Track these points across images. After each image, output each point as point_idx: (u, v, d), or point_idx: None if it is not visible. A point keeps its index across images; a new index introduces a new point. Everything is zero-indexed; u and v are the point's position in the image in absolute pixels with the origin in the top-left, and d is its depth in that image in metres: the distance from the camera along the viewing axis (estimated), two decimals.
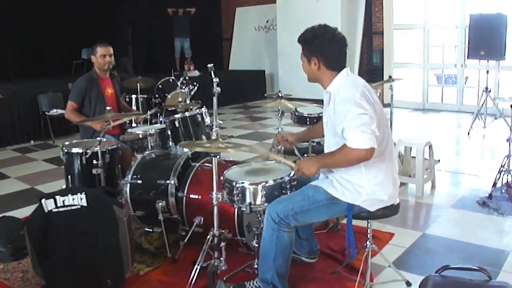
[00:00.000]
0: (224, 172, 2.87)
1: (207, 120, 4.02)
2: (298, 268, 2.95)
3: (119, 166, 3.74)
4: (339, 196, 2.47)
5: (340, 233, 3.58)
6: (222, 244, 2.75)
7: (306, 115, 5.25)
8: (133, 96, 6.76)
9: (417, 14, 9.21)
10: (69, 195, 2.85)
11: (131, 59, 11.16)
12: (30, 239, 2.89)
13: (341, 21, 9.34)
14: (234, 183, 2.69)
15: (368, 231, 2.74)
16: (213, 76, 3.96)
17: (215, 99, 3.39)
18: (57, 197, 2.84)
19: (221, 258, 2.75)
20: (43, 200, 2.85)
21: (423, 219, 3.87)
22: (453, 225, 3.70)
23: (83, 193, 2.86)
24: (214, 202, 2.72)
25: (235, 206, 2.76)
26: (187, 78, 7.19)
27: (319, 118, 5.22)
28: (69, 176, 3.64)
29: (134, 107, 6.76)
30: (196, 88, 7.16)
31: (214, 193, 2.71)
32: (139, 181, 3.43)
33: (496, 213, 3.86)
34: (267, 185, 2.66)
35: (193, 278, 2.76)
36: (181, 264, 3.15)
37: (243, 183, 2.68)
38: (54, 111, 7.49)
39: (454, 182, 4.81)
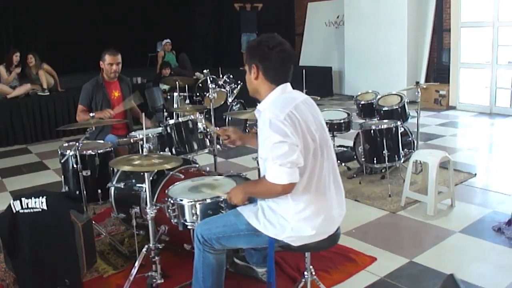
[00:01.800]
0: (170, 186, 2.86)
1: (200, 126, 3.96)
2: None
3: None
4: (260, 229, 2.28)
5: (322, 253, 3.36)
6: (156, 258, 2.72)
7: (327, 121, 4.99)
8: (174, 94, 6.90)
9: (486, 11, 8.29)
10: (33, 198, 3.00)
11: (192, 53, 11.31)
12: (0, 236, 3.10)
13: (407, 16, 8.75)
14: (171, 199, 2.69)
15: (306, 261, 2.52)
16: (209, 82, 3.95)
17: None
18: (23, 199, 3.00)
19: (157, 272, 2.73)
20: (11, 201, 3.03)
21: (418, 243, 3.47)
22: (450, 254, 3.30)
23: (44, 197, 2.99)
24: (148, 216, 2.70)
25: (172, 221, 2.72)
26: (231, 76, 7.20)
27: (339, 126, 4.97)
28: (63, 177, 3.83)
29: (175, 105, 6.92)
30: (238, 86, 7.17)
31: (147, 207, 2.70)
32: (122, 185, 3.51)
33: (510, 243, 3.37)
34: (199, 204, 2.62)
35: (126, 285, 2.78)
36: (145, 270, 3.16)
37: (180, 200, 2.67)
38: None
39: (481, 201, 4.27)
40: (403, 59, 9.01)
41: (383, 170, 4.74)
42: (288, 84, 2.31)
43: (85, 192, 3.57)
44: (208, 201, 2.64)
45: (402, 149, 4.54)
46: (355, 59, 9.92)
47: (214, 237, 2.38)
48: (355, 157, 5.05)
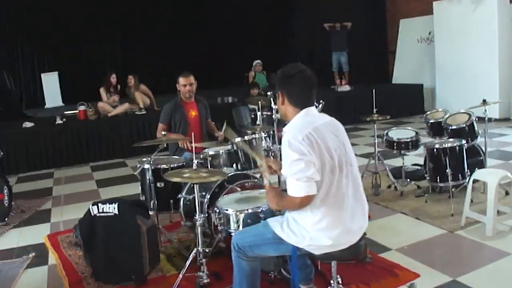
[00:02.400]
0: (220, 197, 3.20)
1: (264, 145, 4.25)
2: None
3: None
4: (284, 238, 2.51)
5: (367, 266, 3.49)
6: (203, 260, 3.05)
7: (395, 140, 5.04)
8: (258, 113, 7.28)
9: None
10: (107, 204, 3.52)
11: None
12: (81, 235, 3.66)
13: (498, 30, 8.34)
14: (218, 209, 3.02)
15: (332, 271, 2.68)
16: (272, 103, 4.26)
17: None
18: (99, 204, 3.53)
19: (203, 272, 3.06)
20: (90, 206, 3.58)
21: (468, 263, 3.42)
22: (498, 276, 3.22)
23: (117, 203, 3.50)
24: (197, 223, 3.05)
25: (218, 228, 3.05)
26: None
27: (406, 144, 4.98)
28: (141, 187, 4.33)
29: (258, 123, 7.31)
30: (320, 106, 7.35)
31: (197, 215, 3.05)
32: (190, 197, 3.91)
33: None
34: (240, 213, 2.92)
35: (176, 284, 3.14)
36: None
37: (226, 210, 3.00)
38: None
39: None
40: (494, 74, 8.61)
41: (453, 189, 4.66)
42: (312, 108, 2.54)
43: (156, 201, 4.02)
44: (249, 211, 2.92)
45: (471, 168, 4.44)
46: (446, 75, 9.63)
47: (247, 245, 2.65)
48: (424, 176, 5.01)
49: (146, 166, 4.11)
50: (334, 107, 9.02)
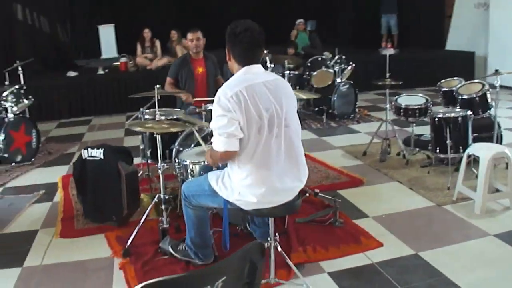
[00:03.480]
0: (185, 150, 3.35)
1: None
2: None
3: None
4: (217, 190, 2.61)
5: (336, 230, 3.51)
6: (163, 206, 3.24)
7: (403, 106, 4.88)
8: (286, 73, 7.25)
9: None
10: (95, 149, 3.76)
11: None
12: (73, 176, 3.94)
13: None
14: (178, 160, 3.17)
15: (270, 228, 2.73)
16: (267, 62, 4.26)
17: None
18: (89, 149, 3.78)
19: (164, 218, 3.24)
20: (82, 150, 3.83)
21: (440, 239, 3.30)
22: (463, 256, 3.11)
23: (103, 149, 3.72)
24: (159, 171, 3.21)
25: (178, 178, 3.21)
26: (343, 57, 7.22)
27: (413, 111, 4.82)
28: (141, 136, 4.53)
29: None
30: (349, 67, 7.18)
31: (159, 163, 3.20)
32: (181, 148, 4.06)
33: None
34: (194, 165, 3.08)
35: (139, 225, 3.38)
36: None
37: (184, 161, 3.14)
38: None
39: None
40: None
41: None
42: (254, 66, 2.53)
43: (151, 150, 4.20)
44: (204, 163, 3.04)
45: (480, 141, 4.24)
46: (500, 43, 8.98)
47: (190, 194, 2.81)
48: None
49: (147, 116, 4.27)
50: (372, 70, 8.73)
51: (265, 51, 7.63)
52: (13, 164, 5.35)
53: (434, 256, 3.09)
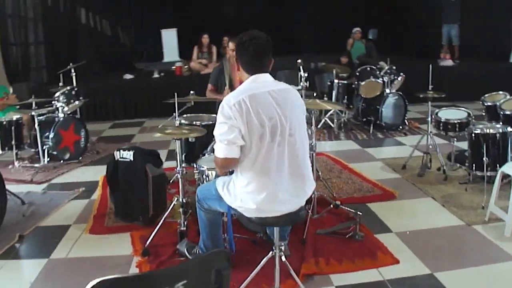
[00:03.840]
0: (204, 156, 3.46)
1: None
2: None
3: None
4: (222, 195, 2.67)
5: (354, 243, 3.45)
6: (180, 209, 3.33)
7: (442, 120, 4.70)
8: (335, 82, 7.20)
9: None
10: (126, 150, 3.93)
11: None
12: (106, 176, 4.13)
13: None
14: (196, 165, 3.26)
15: (275, 237, 2.72)
16: (301, 70, 4.27)
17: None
18: (121, 151, 3.96)
19: (182, 220, 3.33)
20: (115, 151, 4.02)
21: (461, 261, 3.14)
22: (478, 283, 2.94)
23: (133, 151, 3.88)
24: (178, 175, 3.31)
25: (196, 183, 3.29)
26: (393, 67, 7.06)
27: (453, 126, 4.63)
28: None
29: (334, 92, 7.24)
30: (399, 78, 7.00)
31: (178, 168, 3.29)
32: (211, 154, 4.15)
33: None
34: (210, 171, 3.14)
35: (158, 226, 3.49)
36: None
37: (202, 167, 3.23)
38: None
39: None
40: None
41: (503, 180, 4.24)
42: (262, 75, 2.56)
43: (185, 154, 4.31)
44: None
45: None
46: None
47: (202, 197, 2.89)
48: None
49: (183, 121, 4.38)
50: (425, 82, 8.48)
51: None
52: (62, 161, 5.67)
53: (449, 277, 2.95)
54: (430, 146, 5.01)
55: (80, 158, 5.90)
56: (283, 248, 2.76)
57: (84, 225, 3.97)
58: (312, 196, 3.82)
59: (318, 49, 11.78)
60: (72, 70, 6.36)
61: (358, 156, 5.80)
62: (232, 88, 5.03)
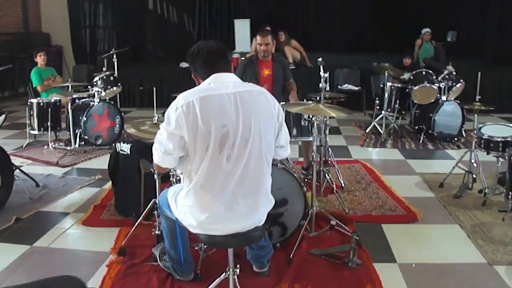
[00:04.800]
0: None
1: None
2: None
3: None
4: (170, 205, 2.46)
5: (347, 271, 3.05)
6: (155, 212, 3.14)
7: (485, 137, 4.10)
8: (387, 85, 6.66)
9: None
10: (125, 143, 3.83)
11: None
12: (108, 167, 4.05)
13: None
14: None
15: (229, 259, 2.44)
16: (321, 71, 3.92)
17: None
18: (121, 143, 3.87)
19: (157, 223, 3.16)
20: (117, 144, 3.93)
21: None
22: None
23: (130, 144, 3.76)
24: (155, 176, 3.11)
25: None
26: (453, 73, 6.39)
27: (495, 144, 4.02)
28: None
29: (386, 95, 6.70)
30: (458, 85, 6.30)
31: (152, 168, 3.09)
32: None
33: None
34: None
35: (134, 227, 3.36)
36: None
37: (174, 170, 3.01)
38: (345, 86, 8.20)
39: None
40: None
41: None
42: (224, 74, 2.26)
43: None
44: None
45: None
46: None
47: (160, 204, 2.71)
48: None
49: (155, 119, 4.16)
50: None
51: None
52: (94, 146, 5.73)
53: None
54: (474, 164, 4.39)
55: (113, 144, 5.91)
56: (237, 271, 2.46)
57: (82, 215, 3.92)
58: (310, 211, 3.46)
59: (389, 50, 11.06)
60: (114, 56, 6.38)
61: (396, 168, 5.28)
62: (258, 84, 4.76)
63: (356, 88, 8.24)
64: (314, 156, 3.61)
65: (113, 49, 6.49)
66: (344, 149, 6.05)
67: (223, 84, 2.23)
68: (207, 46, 2.28)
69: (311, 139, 3.76)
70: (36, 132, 5.74)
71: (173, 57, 10.21)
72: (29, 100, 5.72)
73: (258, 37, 4.72)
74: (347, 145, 6.26)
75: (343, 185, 4.58)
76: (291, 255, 3.17)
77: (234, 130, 2.14)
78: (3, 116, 4.24)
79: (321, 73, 4.06)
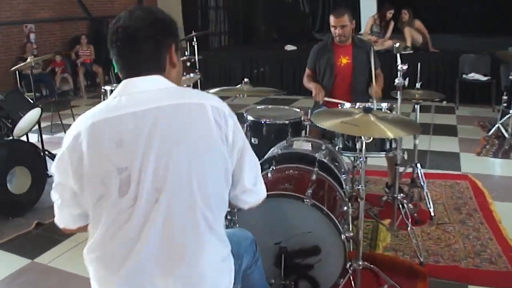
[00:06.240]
0: None
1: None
2: None
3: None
4: None
5: None
6: None
7: None
8: None
9: None
10: None
11: None
12: None
13: None
14: None
15: None
16: (398, 60, 2.94)
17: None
18: None
19: None
20: None
21: None
22: None
23: None
24: None
25: None
26: None
27: None
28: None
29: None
30: None
31: None
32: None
33: None
34: None
35: None
36: None
37: None
38: (471, 75, 6.74)
39: None
40: None
41: None
42: (135, 80, 1.43)
43: None
44: None
45: None
46: None
47: None
48: None
49: (249, 117, 3.37)
50: None
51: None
52: None
53: None
54: None
55: None
56: None
57: None
58: (352, 267, 2.47)
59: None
60: (194, 39, 5.84)
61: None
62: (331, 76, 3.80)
63: (484, 79, 6.71)
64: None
65: (193, 31, 5.96)
66: (454, 157, 4.75)
67: (133, 97, 1.42)
68: (122, 27, 1.42)
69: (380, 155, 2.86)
70: None
71: (287, 39, 9.58)
72: (103, 87, 5.40)
73: (331, 18, 3.73)
74: (459, 152, 4.92)
75: (432, 214, 3.46)
76: None
77: (139, 175, 1.34)
78: (35, 110, 3.90)
79: (398, 64, 3.01)
